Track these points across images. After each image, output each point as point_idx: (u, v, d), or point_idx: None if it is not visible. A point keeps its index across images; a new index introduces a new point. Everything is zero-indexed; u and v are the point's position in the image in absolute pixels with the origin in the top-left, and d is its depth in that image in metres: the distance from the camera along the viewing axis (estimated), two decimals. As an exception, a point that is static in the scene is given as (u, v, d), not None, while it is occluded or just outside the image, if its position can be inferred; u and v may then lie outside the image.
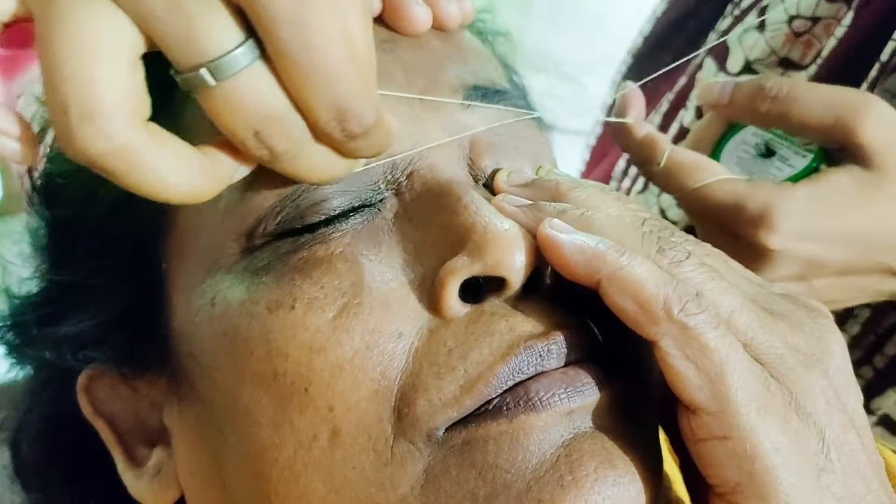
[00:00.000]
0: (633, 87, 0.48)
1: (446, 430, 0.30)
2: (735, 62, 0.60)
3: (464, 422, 0.30)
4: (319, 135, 0.29)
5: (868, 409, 0.55)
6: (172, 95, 0.37)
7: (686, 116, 0.63)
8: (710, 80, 0.49)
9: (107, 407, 0.40)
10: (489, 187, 0.36)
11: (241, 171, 0.31)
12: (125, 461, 0.39)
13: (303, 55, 0.27)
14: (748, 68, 0.59)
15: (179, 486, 0.38)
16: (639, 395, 0.33)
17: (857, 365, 0.55)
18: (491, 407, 0.30)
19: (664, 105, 0.64)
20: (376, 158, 0.33)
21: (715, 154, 0.50)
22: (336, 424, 0.31)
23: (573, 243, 0.31)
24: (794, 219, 0.43)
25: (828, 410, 0.29)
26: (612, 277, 0.30)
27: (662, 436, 0.34)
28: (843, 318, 0.55)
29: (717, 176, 0.45)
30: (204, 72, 0.27)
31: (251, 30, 0.27)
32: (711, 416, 0.29)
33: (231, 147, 0.30)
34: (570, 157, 0.75)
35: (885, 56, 0.53)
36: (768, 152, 0.48)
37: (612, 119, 0.49)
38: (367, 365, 0.31)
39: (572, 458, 0.29)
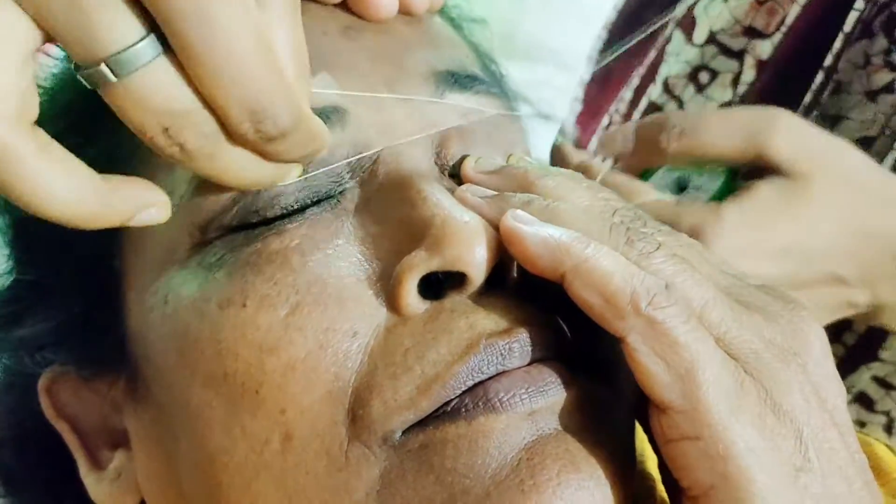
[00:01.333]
0: (574, 127, 0.48)
1: (403, 433, 0.29)
2: (700, 33, 0.59)
3: (421, 424, 0.29)
4: (234, 136, 0.27)
5: None
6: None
7: (654, 91, 0.62)
8: (606, 132, 0.49)
9: (69, 409, 0.39)
10: (457, 177, 0.35)
11: (149, 212, 0.29)
12: (87, 464, 0.38)
13: (207, 51, 0.25)
14: (713, 39, 0.58)
15: (139, 491, 0.37)
16: (608, 393, 0.31)
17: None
18: (449, 409, 0.29)
19: (635, 80, 0.63)
20: (324, 162, 0.32)
21: None
22: (288, 428, 0.29)
23: (536, 235, 0.29)
24: (726, 237, 0.42)
25: (805, 407, 0.28)
26: (576, 270, 0.28)
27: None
28: None
29: (648, 197, 0.45)
30: (104, 68, 0.25)
31: (155, 24, 0.25)
32: (682, 415, 0.27)
33: (142, 184, 0.28)
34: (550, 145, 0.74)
35: (847, 27, 0.52)
36: (681, 188, 0.48)
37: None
38: (321, 366, 0.29)
39: (534, 462, 0.28)
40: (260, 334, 0.30)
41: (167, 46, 0.25)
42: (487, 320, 0.30)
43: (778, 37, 0.55)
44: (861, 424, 0.54)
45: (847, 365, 0.54)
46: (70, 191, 0.26)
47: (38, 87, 0.39)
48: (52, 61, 0.41)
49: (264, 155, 0.28)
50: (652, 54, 0.61)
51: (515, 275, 0.31)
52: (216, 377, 0.30)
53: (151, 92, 0.26)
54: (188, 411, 0.32)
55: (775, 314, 0.30)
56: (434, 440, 0.29)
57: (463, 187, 0.33)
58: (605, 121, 0.65)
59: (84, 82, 0.26)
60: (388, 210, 0.32)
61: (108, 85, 0.26)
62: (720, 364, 0.27)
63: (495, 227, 0.30)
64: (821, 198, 0.44)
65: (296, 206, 0.32)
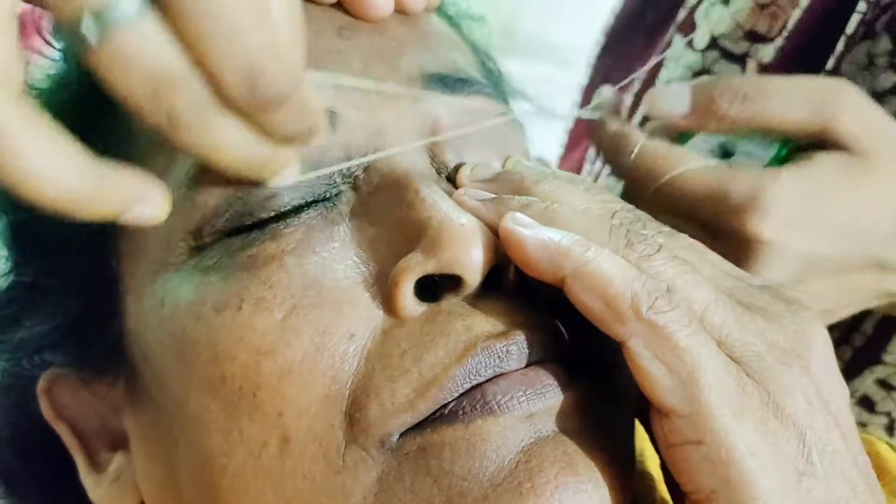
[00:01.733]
0: (611, 90, 0.45)
1: (401, 436, 0.29)
2: (701, 38, 0.58)
3: (419, 427, 0.29)
4: (227, 102, 0.25)
5: None
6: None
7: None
8: (653, 90, 0.43)
9: (69, 411, 0.38)
10: (453, 180, 0.34)
11: (142, 208, 0.26)
12: (87, 466, 0.38)
13: (198, 5, 0.23)
14: (714, 44, 0.57)
15: (139, 493, 0.36)
16: (608, 396, 0.31)
17: (836, 345, 0.54)
18: (447, 411, 0.28)
19: (636, 84, 0.62)
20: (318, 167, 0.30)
21: None
22: (286, 431, 0.29)
23: (536, 238, 0.29)
24: (784, 204, 0.40)
25: (808, 410, 0.28)
26: (576, 274, 0.28)
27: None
28: None
29: (693, 164, 0.41)
30: (87, 25, 0.23)
31: None
32: (684, 419, 0.27)
33: (137, 173, 0.26)
34: (550, 141, 0.73)
35: (850, 29, 0.51)
36: (726, 154, 0.44)
37: (585, 114, 0.46)
38: (317, 368, 0.29)
39: (532, 465, 0.27)
40: (256, 337, 0.30)
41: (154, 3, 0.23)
42: (485, 323, 0.29)
43: (780, 41, 0.54)
44: (862, 426, 0.53)
45: (852, 368, 0.54)
46: (57, 171, 0.24)
47: (33, 88, 0.39)
48: (46, 62, 0.41)
49: (259, 128, 0.26)
50: (654, 59, 0.60)
51: (513, 277, 0.31)
52: (213, 380, 0.30)
53: (138, 52, 0.23)
54: (186, 414, 0.31)
55: (778, 315, 0.30)
56: (432, 443, 0.28)
57: (461, 190, 0.32)
58: None
59: (68, 44, 0.24)
60: (385, 212, 0.32)
61: (92, 47, 0.23)
62: (722, 367, 0.27)
63: (493, 230, 0.30)
64: (886, 177, 0.41)
65: (289, 208, 0.32)
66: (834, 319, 0.45)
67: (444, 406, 0.29)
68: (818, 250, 0.41)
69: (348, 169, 0.33)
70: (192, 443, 0.31)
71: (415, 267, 0.29)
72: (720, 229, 0.40)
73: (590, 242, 0.28)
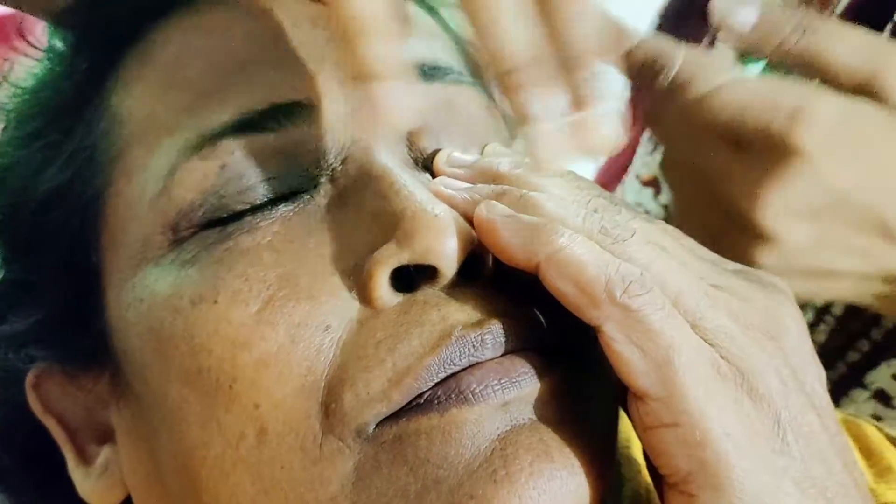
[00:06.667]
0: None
1: (377, 425, 0.28)
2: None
3: (394, 416, 0.28)
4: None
5: (861, 384, 0.53)
6: (105, 80, 0.36)
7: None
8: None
9: (57, 405, 0.38)
10: (430, 170, 0.34)
11: None
12: (75, 459, 0.37)
13: None
14: None
15: (125, 486, 0.36)
16: (586, 383, 0.30)
17: (854, 338, 0.53)
18: (422, 401, 0.28)
19: None
20: None
21: None
22: (263, 422, 0.29)
23: (510, 226, 0.28)
24: (828, 120, 0.39)
25: (783, 391, 0.27)
26: (550, 260, 0.27)
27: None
28: None
29: (740, 73, 0.40)
30: None
31: None
32: (659, 402, 0.26)
33: None
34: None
35: (885, 34, 0.49)
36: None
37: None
38: (293, 360, 0.29)
39: (507, 452, 0.27)
40: (232, 329, 0.29)
41: None
42: (460, 312, 0.29)
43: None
44: (877, 419, 0.52)
45: (869, 361, 0.52)
46: None
47: (18, 87, 0.40)
48: (31, 61, 0.41)
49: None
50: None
51: (490, 266, 0.30)
52: (191, 373, 0.30)
53: None
54: (166, 407, 0.31)
55: (751, 298, 0.29)
56: (407, 432, 0.28)
57: (437, 180, 0.32)
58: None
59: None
60: (361, 204, 0.31)
61: None
62: (696, 350, 0.27)
63: (469, 219, 0.29)
64: None
65: (264, 200, 0.31)
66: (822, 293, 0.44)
67: (420, 395, 0.28)
68: (849, 188, 0.40)
69: (325, 161, 0.32)
70: (173, 435, 0.31)
71: (389, 258, 0.29)
72: (759, 141, 0.39)
73: (564, 228, 0.28)
